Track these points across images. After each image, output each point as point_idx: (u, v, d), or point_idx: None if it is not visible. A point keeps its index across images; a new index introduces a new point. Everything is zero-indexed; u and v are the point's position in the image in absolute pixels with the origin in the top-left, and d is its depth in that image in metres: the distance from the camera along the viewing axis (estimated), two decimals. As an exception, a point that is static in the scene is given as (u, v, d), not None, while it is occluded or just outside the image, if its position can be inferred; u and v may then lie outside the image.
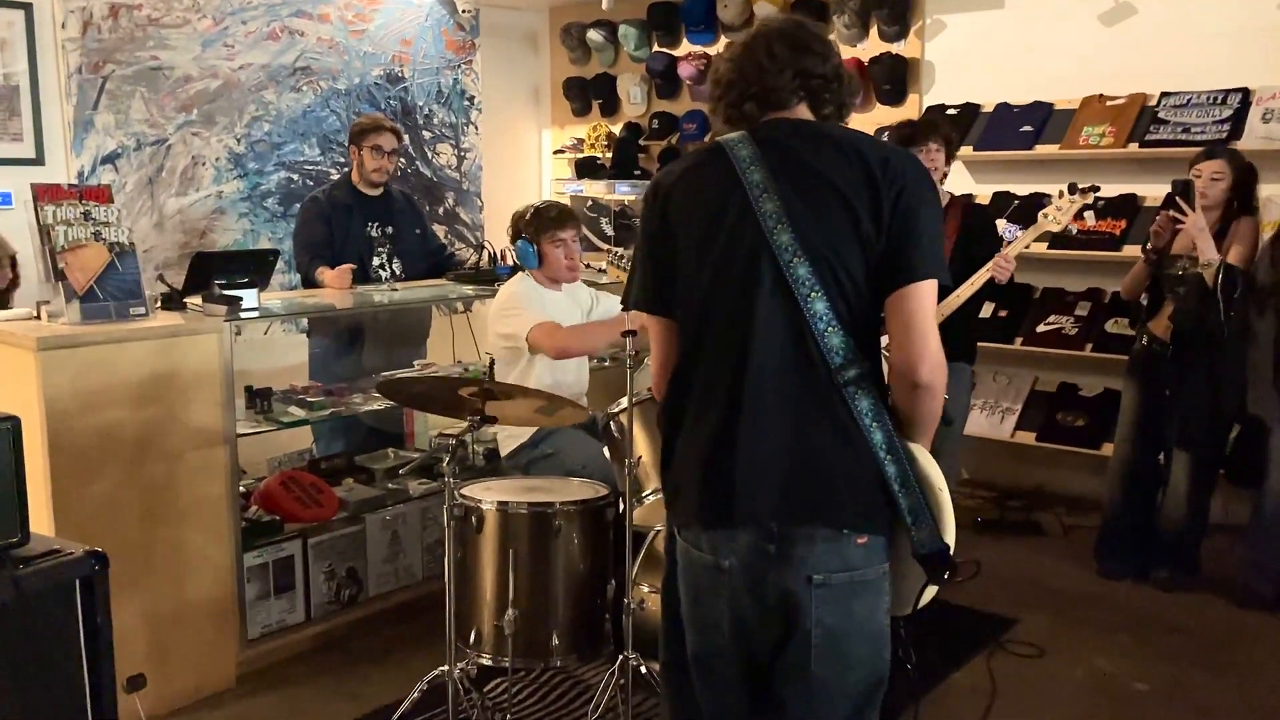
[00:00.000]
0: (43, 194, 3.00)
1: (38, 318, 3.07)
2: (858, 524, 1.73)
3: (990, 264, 3.63)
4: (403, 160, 6.15)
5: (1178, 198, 3.80)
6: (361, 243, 4.30)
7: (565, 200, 6.51)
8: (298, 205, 4.72)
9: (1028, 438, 5.00)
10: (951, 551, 1.74)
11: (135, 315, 3.08)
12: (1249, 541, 3.98)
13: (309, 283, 4.22)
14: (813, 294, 1.70)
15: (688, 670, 1.93)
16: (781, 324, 1.73)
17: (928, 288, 1.71)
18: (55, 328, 2.95)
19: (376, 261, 4.24)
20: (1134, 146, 4.69)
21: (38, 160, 4.69)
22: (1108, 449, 4.44)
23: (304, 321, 4.20)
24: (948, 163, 3.88)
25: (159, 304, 3.31)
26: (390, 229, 4.36)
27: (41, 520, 2.84)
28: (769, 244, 1.72)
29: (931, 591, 1.77)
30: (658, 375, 1.95)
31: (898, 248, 1.70)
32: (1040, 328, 4.99)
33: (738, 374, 1.75)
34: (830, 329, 1.70)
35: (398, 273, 4.27)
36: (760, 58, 1.82)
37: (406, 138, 6.12)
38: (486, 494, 2.97)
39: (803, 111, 1.85)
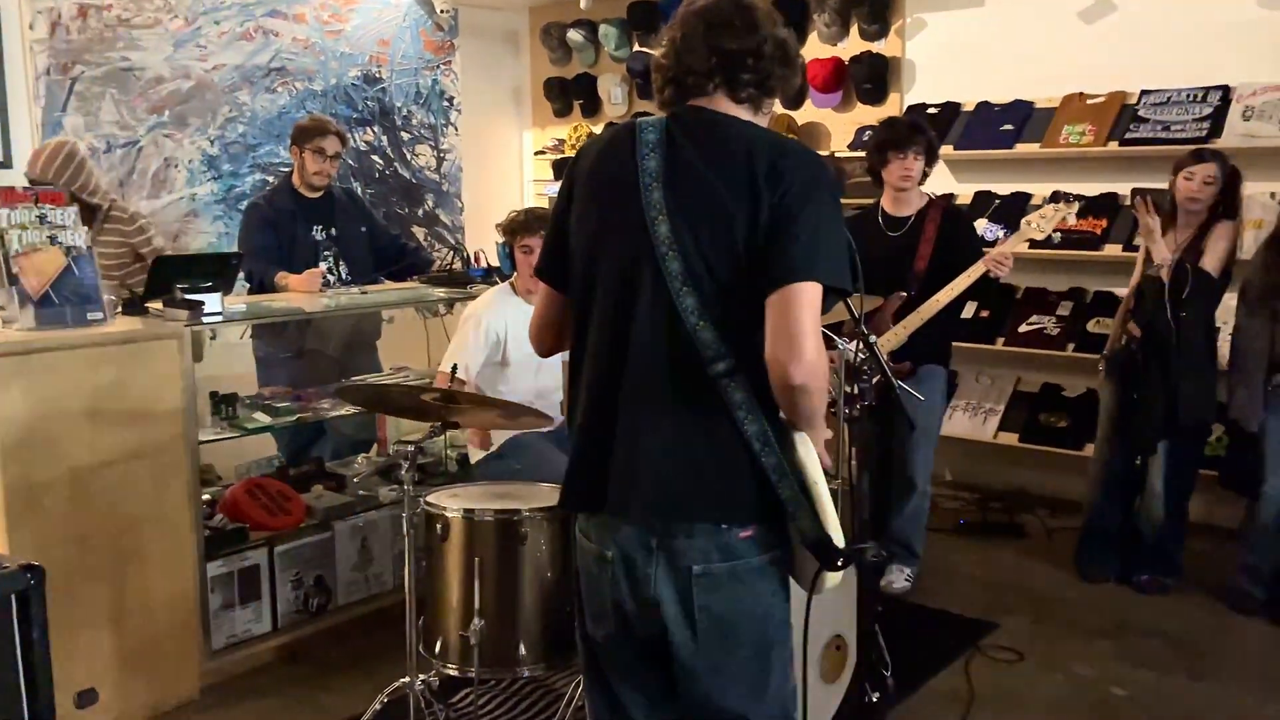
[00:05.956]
0: (-4, 197, 2.95)
1: (-8, 324, 3.01)
2: (737, 518, 1.72)
3: (982, 262, 3.63)
4: (380, 161, 6.09)
5: (1136, 199, 3.85)
6: (307, 248, 4.22)
7: (545, 202, 6.47)
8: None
9: (1010, 439, 4.96)
10: (836, 542, 1.69)
11: (93, 321, 3.02)
12: (1243, 545, 3.92)
13: (265, 289, 4.08)
14: (684, 288, 1.69)
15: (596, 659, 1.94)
16: (659, 315, 1.72)
17: (805, 290, 1.64)
18: (8, 334, 2.89)
19: (324, 266, 4.17)
20: (1114, 145, 4.65)
21: (5, 164, 4.62)
22: (1090, 450, 4.40)
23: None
24: (929, 164, 3.86)
25: (120, 309, 3.25)
26: (334, 230, 4.29)
27: (-6, 532, 2.78)
28: (649, 234, 1.71)
29: (834, 578, 1.74)
30: (532, 334, 1.99)
31: (772, 250, 1.66)
32: (1022, 328, 4.95)
33: (617, 362, 1.76)
34: (701, 324, 1.69)
35: (344, 275, 4.21)
36: (677, 37, 1.80)
37: (385, 139, 6.08)
38: (452, 501, 2.90)
39: (720, 99, 1.81)
